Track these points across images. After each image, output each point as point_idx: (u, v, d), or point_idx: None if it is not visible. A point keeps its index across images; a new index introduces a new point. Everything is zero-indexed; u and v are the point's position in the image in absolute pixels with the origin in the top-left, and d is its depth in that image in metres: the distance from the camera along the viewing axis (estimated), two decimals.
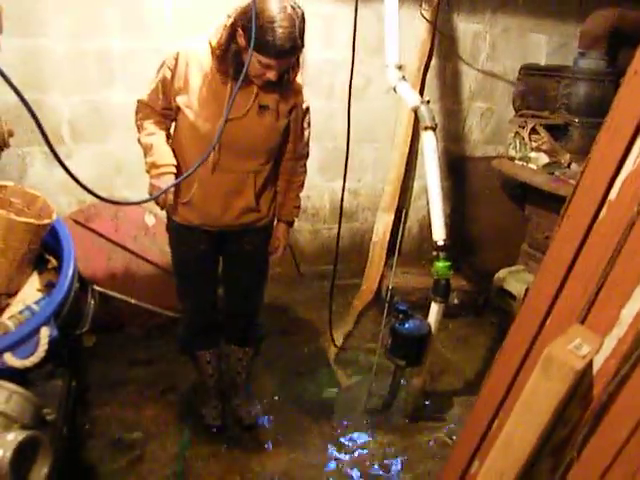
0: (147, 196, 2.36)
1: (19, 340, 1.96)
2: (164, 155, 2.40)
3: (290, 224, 2.75)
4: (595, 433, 1.43)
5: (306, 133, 2.62)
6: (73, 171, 3.61)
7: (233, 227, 2.54)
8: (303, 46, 2.18)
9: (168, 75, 2.31)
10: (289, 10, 2.06)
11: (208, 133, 2.28)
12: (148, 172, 2.41)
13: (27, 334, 1.98)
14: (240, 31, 2.13)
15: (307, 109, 2.56)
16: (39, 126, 1.32)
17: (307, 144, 2.67)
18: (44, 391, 2.01)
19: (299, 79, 2.42)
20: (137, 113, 2.48)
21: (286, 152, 2.60)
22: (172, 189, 2.40)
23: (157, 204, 2.49)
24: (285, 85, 2.34)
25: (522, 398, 1.35)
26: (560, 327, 1.41)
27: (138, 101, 2.47)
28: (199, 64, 2.28)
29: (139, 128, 2.47)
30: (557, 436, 1.47)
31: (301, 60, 2.31)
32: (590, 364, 1.37)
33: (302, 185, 2.73)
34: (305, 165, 2.71)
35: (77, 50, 3.54)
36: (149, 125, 2.44)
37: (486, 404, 1.68)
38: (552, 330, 1.47)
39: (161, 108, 2.41)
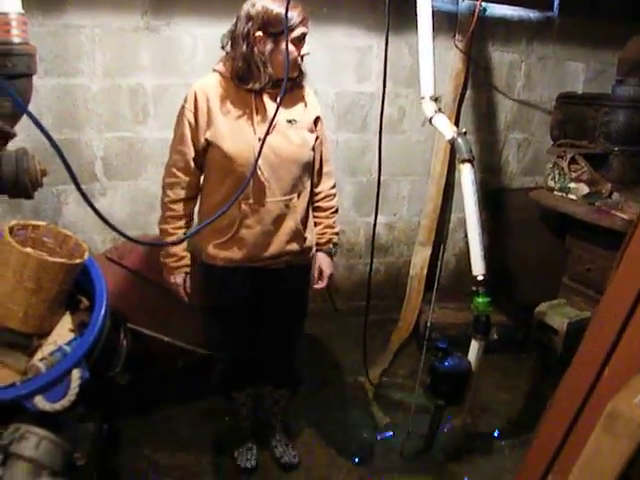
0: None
1: (50, 383, 1.92)
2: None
3: (330, 254, 2.71)
4: None
5: (326, 148, 2.63)
6: (107, 208, 3.63)
7: (277, 260, 2.48)
8: None
9: (192, 118, 2.32)
10: None
11: (242, 158, 2.28)
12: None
13: (58, 376, 1.94)
14: (260, 35, 2.21)
15: (322, 122, 2.57)
16: (67, 167, 1.28)
17: (329, 161, 2.66)
18: (75, 434, 1.97)
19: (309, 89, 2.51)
20: (166, 190, 2.47)
21: (315, 174, 2.59)
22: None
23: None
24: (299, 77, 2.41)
25: (582, 459, 1.24)
26: (620, 377, 1.30)
27: (165, 182, 2.47)
28: (216, 94, 2.31)
29: (166, 210, 2.49)
30: None
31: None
32: None
33: (337, 211, 2.71)
34: (334, 187, 2.69)
35: (111, 88, 3.58)
36: (175, 221, 2.48)
37: (538, 458, 1.57)
38: (611, 380, 1.35)
39: (192, 158, 2.38)
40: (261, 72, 2.22)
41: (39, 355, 2.09)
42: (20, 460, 1.66)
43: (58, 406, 1.88)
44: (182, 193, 2.44)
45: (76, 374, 1.97)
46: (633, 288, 1.33)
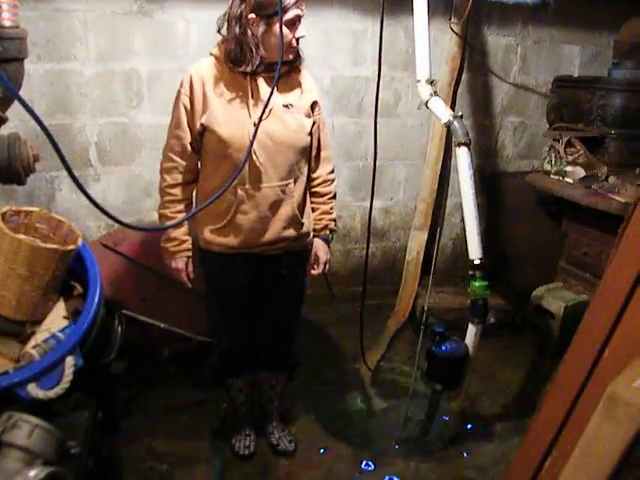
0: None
1: (43, 370, 1.91)
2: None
3: (327, 240, 2.69)
4: None
5: (324, 133, 2.61)
6: (101, 195, 3.60)
7: (273, 247, 2.47)
8: None
9: (187, 103, 2.31)
10: None
11: (237, 143, 2.26)
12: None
13: (51, 364, 1.93)
14: (253, 17, 2.18)
15: (320, 107, 2.54)
16: (59, 153, 1.26)
17: (328, 146, 2.64)
18: (69, 422, 1.95)
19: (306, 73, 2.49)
20: (163, 174, 2.46)
21: (313, 159, 2.58)
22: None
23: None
24: (296, 61, 2.38)
25: (582, 443, 1.22)
26: (620, 359, 1.28)
27: (163, 167, 2.46)
28: (212, 78, 2.29)
29: (164, 195, 2.48)
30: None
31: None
32: None
33: (335, 196, 2.70)
34: (333, 172, 2.67)
35: (104, 72, 3.55)
36: (174, 205, 2.47)
37: (536, 441, 1.56)
38: (611, 362, 1.34)
39: (188, 143, 2.36)
40: (253, 54, 2.20)
41: (32, 342, 2.07)
42: (12, 449, 1.65)
43: (52, 394, 1.87)
44: (179, 177, 2.43)
45: (70, 361, 1.96)
46: (632, 270, 1.32)
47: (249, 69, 2.23)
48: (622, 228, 1.42)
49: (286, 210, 2.42)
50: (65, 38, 3.42)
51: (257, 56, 2.21)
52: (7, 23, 2.27)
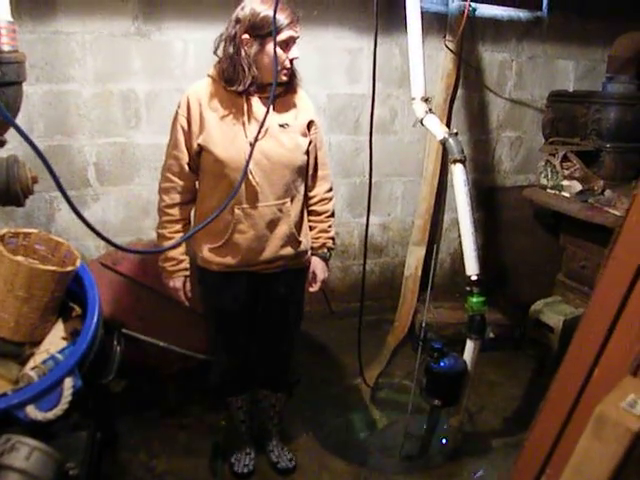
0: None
1: (42, 392, 1.91)
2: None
3: (325, 258, 2.70)
4: None
5: (322, 152, 2.62)
6: (100, 214, 3.61)
7: (272, 265, 2.49)
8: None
9: (185, 124, 2.33)
10: None
11: (233, 163, 2.27)
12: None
13: (50, 385, 1.93)
14: (246, 38, 2.22)
15: (316, 126, 2.55)
16: (53, 176, 1.28)
17: (325, 165, 2.65)
18: (68, 443, 1.95)
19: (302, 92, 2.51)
20: (161, 194, 2.48)
21: (310, 177, 2.59)
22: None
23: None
24: (292, 81, 2.40)
25: (572, 462, 1.23)
26: (609, 379, 1.29)
27: (161, 187, 2.47)
28: (209, 99, 2.32)
29: (162, 215, 2.50)
30: None
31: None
32: None
33: (332, 215, 2.69)
34: (331, 190, 2.68)
35: (102, 93, 3.57)
36: (172, 225, 2.49)
37: (530, 459, 1.56)
38: (601, 382, 1.35)
39: (186, 163, 2.38)
40: (246, 74, 2.23)
41: (31, 364, 2.08)
42: (11, 471, 1.65)
43: (50, 415, 1.87)
44: (177, 197, 2.44)
45: (68, 383, 1.96)
46: (619, 291, 1.32)
47: (241, 88, 2.25)
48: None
49: (283, 229, 2.43)
50: (63, 60, 3.44)
51: (249, 76, 2.23)
52: (6, 48, 2.29)
